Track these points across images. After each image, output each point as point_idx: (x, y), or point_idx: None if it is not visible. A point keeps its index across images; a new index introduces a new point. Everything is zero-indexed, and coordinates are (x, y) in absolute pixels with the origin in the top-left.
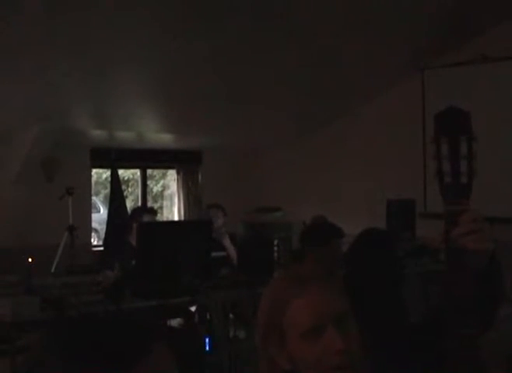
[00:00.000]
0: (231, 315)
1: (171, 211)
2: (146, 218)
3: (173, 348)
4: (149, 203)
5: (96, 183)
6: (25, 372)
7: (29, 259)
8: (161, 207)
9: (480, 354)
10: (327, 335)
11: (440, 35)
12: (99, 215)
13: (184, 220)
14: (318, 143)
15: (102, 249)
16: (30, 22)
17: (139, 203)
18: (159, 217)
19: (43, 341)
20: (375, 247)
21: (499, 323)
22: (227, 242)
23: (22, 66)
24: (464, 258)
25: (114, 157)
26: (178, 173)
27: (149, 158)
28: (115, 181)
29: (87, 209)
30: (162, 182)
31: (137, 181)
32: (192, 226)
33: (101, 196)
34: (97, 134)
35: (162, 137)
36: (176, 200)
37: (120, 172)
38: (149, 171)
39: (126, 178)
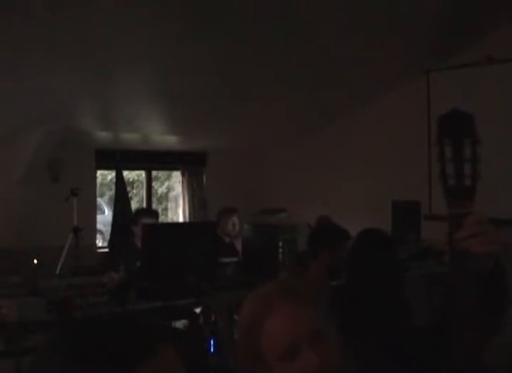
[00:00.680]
0: (236, 317)
1: (176, 213)
2: (147, 221)
3: (177, 350)
4: (154, 205)
5: (101, 184)
6: None
7: (35, 261)
8: (166, 209)
9: (484, 357)
10: (303, 356)
11: (444, 37)
12: (104, 217)
13: (189, 221)
14: (322, 144)
15: (107, 250)
16: (33, 23)
17: (144, 205)
18: (163, 219)
19: (48, 342)
20: (376, 249)
21: (505, 326)
22: (239, 246)
23: (27, 68)
24: (467, 260)
25: (119, 158)
26: (183, 175)
27: (154, 160)
28: (120, 182)
29: (92, 210)
30: (167, 183)
31: (142, 182)
32: (197, 228)
33: (106, 197)
34: (102, 135)
35: (166, 139)
36: (181, 201)
37: (125, 173)
38: (153, 172)
39: (131, 179)
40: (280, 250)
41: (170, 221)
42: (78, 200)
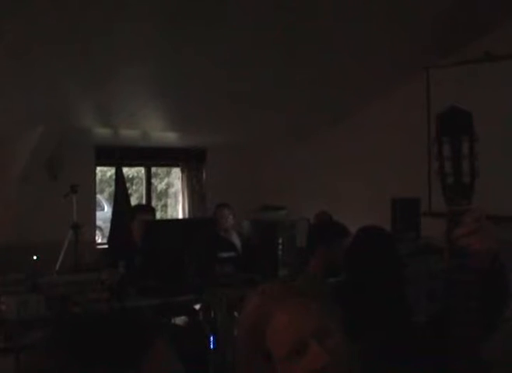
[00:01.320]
0: (235, 313)
1: (175, 209)
2: (144, 217)
3: (177, 346)
4: (154, 201)
5: (101, 181)
6: (27, 370)
7: (34, 257)
8: (165, 205)
9: (483, 354)
10: (310, 351)
11: (444, 34)
12: (104, 213)
13: (189, 218)
14: (322, 142)
15: (106, 247)
16: (33, 21)
17: (144, 201)
18: (163, 216)
19: (45, 339)
20: (375, 246)
21: (504, 324)
22: (236, 239)
23: (26, 65)
24: (466, 258)
25: (119, 155)
26: (182, 171)
27: (154, 156)
28: (120, 179)
29: (92, 207)
30: (166, 180)
31: (141, 179)
32: (197, 224)
33: (105, 194)
34: (102, 132)
35: (166, 136)
36: (180, 198)
37: (125, 170)
38: (153, 169)
39: (130, 176)
40: (280, 247)
41: (169, 217)
42: (77, 196)
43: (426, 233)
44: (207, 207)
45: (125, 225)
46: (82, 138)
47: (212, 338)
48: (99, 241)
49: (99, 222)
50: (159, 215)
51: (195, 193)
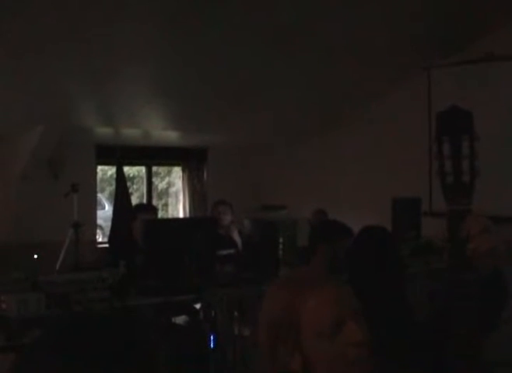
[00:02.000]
0: (236, 313)
1: (176, 208)
2: (146, 216)
3: (178, 345)
4: (154, 201)
5: (102, 180)
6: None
7: (35, 256)
8: (166, 205)
9: (485, 355)
10: (347, 328)
11: (445, 34)
12: (105, 212)
13: (189, 217)
14: (323, 141)
15: (107, 246)
16: (33, 20)
17: (144, 201)
18: (164, 215)
19: (37, 339)
20: (377, 246)
21: (503, 324)
22: (237, 236)
23: (27, 64)
24: (466, 257)
25: (119, 154)
26: (183, 170)
27: (155, 156)
28: (120, 178)
29: (92, 206)
30: (167, 179)
31: (142, 178)
32: (197, 223)
33: (106, 193)
34: (103, 131)
35: (167, 135)
36: (181, 197)
37: (126, 169)
38: (154, 168)
39: (131, 175)
40: (280, 246)
41: (170, 216)
42: (78, 195)
43: (427, 233)
44: (208, 207)
45: (126, 224)
46: (83, 137)
47: (212, 337)
48: (100, 240)
49: (99, 221)
50: (159, 214)
51: (196, 192)
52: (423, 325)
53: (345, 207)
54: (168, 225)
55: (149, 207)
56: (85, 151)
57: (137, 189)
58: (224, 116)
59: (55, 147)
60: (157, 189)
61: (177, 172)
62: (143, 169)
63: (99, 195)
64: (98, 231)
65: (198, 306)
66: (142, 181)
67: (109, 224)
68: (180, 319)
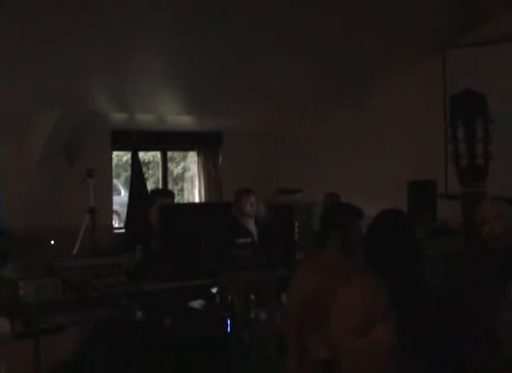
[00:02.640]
0: (252, 297)
1: (192, 193)
2: (163, 201)
3: (194, 330)
4: (170, 186)
5: (117, 165)
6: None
7: (52, 242)
8: (182, 190)
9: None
10: (378, 329)
11: (462, 14)
12: (121, 198)
13: (205, 202)
14: (338, 125)
15: (123, 231)
16: (51, 5)
17: (160, 186)
18: (179, 200)
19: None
20: (394, 230)
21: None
22: (253, 227)
23: (43, 50)
24: (482, 241)
25: (135, 139)
26: (198, 155)
27: (170, 141)
28: (136, 163)
29: (108, 191)
30: (182, 164)
31: (157, 163)
32: (213, 208)
33: (122, 178)
34: (118, 116)
35: (182, 119)
36: (196, 182)
37: (141, 154)
38: (169, 153)
39: (146, 160)
40: (296, 230)
41: (185, 201)
42: (94, 181)
43: (443, 215)
44: (223, 191)
45: (142, 210)
46: (99, 123)
47: (228, 321)
48: (116, 225)
49: (115, 207)
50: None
51: (211, 177)
52: (438, 305)
53: (361, 190)
54: (184, 210)
55: (166, 192)
56: (101, 136)
57: (152, 175)
58: (239, 100)
59: (71, 133)
60: (172, 174)
61: (192, 156)
62: (158, 154)
63: (114, 181)
64: (114, 216)
65: (214, 290)
66: (158, 166)
67: (125, 209)
68: (197, 304)
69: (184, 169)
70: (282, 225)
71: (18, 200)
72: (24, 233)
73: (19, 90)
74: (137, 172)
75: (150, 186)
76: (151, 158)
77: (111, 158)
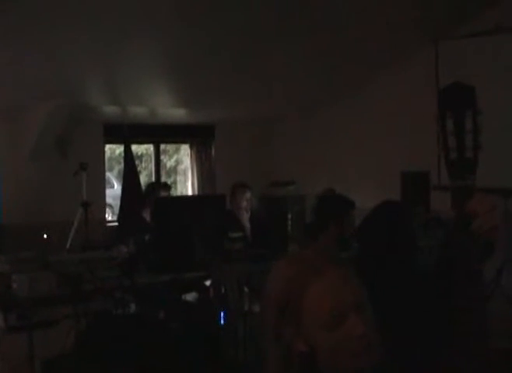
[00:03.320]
0: (245, 289)
1: (185, 186)
2: (161, 194)
3: (188, 322)
4: (163, 178)
5: (110, 158)
6: None
7: (45, 236)
8: (175, 182)
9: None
10: (349, 322)
11: (454, 4)
12: (114, 191)
13: (198, 194)
14: (331, 116)
15: (116, 224)
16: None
17: (153, 179)
18: (173, 192)
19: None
20: (390, 219)
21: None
22: (246, 222)
23: (34, 42)
24: (472, 234)
25: (127, 132)
26: (191, 148)
27: (162, 133)
28: (129, 156)
29: (101, 185)
30: (175, 157)
31: (150, 156)
32: (206, 201)
33: (115, 171)
34: (110, 109)
35: (174, 112)
36: (189, 174)
37: (134, 147)
38: (162, 146)
39: (139, 153)
40: (289, 222)
41: (179, 194)
42: (87, 174)
43: (436, 206)
44: (216, 184)
45: (135, 202)
46: (91, 116)
47: (222, 314)
48: (110, 218)
49: (109, 200)
50: None
51: (204, 169)
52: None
53: (354, 181)
54: (177, 203)
55: (164, 185)
56: (93, 129)
57: (145, 168)
58: (231, 92)
59: (63, 126)
60: (165, 167)
61: (185, 149)
62: (151, 147)
63: (107, 174)
64: (107, 209)
65: (207, 283)
66: (150, 159)
67: (118, 202)
68: (190, 296)
69: (177, 162)
70: (275, 217)
71: (11, 194)
72: (17, 226)
73: (12, 83)
74: (130, 165)
75: (143, 178)
76: (144, 151)
77: (104, 151)
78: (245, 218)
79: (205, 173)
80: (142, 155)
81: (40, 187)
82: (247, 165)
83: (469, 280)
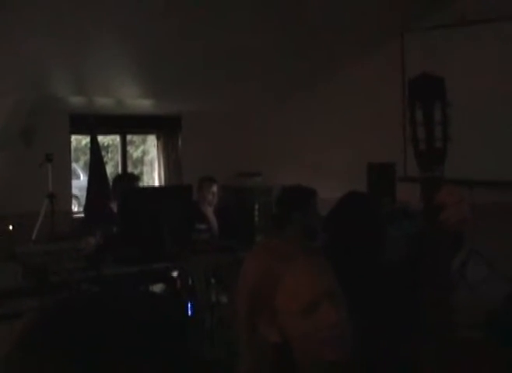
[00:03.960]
0: (213, 280)
1: (151, 177)
2: (128, 185)
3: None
4: (129, 169)
5: (76, 149)
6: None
7: (10, 227)
8: (141, 173)
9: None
10: (322, 310)
11: None
12: (80, 182)
13: (165, 185)
14: (298, 107)
15: (83, 215)
16: None
17: (119, 170)
18: (139, 183)
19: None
20: (358, 209)
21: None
22: (211, 214)
23: None
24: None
25: (93, 123)
26: (158, 139)
27: (129, 124)
28: (95, 147)
29: (67, 176)
30: (142, 147)
31: (117, 147)
32: (173, 191)
33: (81, 162)
34: (76, 100)
35: (141, 103)
36: (156, 165)
37: (100, 138)
38: (128, 137)
39: (105, 144)
40: (256, 213)
41: (145, 184)
42: (52, 165)
43: (402, 197)
44: (183, 175)
45: (102, 193)
46: (56, 106)
47: (189, 305)
48: (76, 210)
49: (75, 191)
50: None
51: (171, 160)
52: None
53: (320, 173)
54: (144, 194)
55: (132, 176)
56: (59, 120)
57: (112, 158)
58: (198, 83)
59: (28, 116)
60: (132, 157)
61: (151, 140)
62: (117, 137)
63: (73, 165)
64: (73, 201)
65: (175, 274)
66: (117, 150)
67: (84, 193)
68: (158, 287)
69: (144, 153)
70: (241, 208)
71: None
72: None
73: None
74: (96, 155)
75: (109, 169)
76: (110, 142)
77: (70, 142)
78: (210, 211)
79: (171, 164)
80: (108, 146)
81: (5, 179)
82: (214, 156)
83: (437, 272)
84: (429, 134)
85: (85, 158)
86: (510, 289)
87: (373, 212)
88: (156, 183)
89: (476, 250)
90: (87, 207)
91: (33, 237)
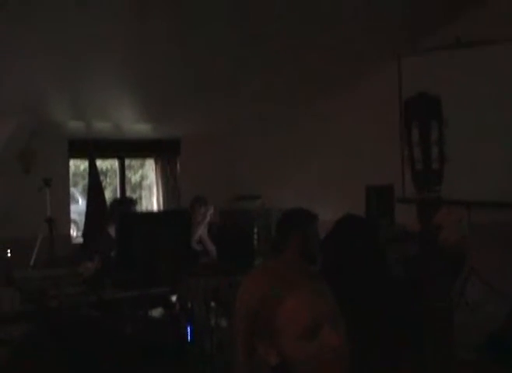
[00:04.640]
0: (212, 304)
1: (150, 201)
2: (126, 209)
3: (154, 339)
4: (128, 194)
5: (74, 174)
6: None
7: (8, 252)
8: (140, 198)
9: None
10: (324, 333)
11: (415, 21)
12: (78, 206)
13: (163, 210)
14: (297, 131)
15: (81, 240)
16: (5, 14)
17: (118, 194)
18: (138, 208)
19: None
20: (355, 232)
21: (478, 307)
22: (205, 236)
23: None
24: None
25: (92, 148)
26: (156, 163)
27: (127, 149)
28: (93, 172)
29: (66, 200)
30: (140, 172)
31: (115, 171)
32: (171, 216)
33: (79, 187)
34: (75, 125)
35: (139, 127)
36: (154, 189)
37: (99, 162)
38: (127, 161)
39: (104, 168)
40: (255, 236)
41: (144, 209)
42: (51, 190)
43: (400, 219)
44: (181, 199)
45: (100, 218)
46: (55, 131)
47: (189, 329)
48: (74, 235)
49: (73, 216)
50: None
51: (169, 184)
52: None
53: (319, 195)
54: (142, 218)
55: (129, 200)
56: (58, 145)
57: (110, 183)
58: (196, 107)
59: (27, 141)
60: (130, 182)
61: (150, 164)
62: (116, 162)
63: (72, 189)
64: (72, 225)
65: (174, 298)
66: (115, 174)
67: (83, 218)
68: (157, 312)
69: (142, 177)
70: (241, 231)
71: None
72: None
73: None
74: (95, 180)
75: (108, 194)
76: (108, 166)
77: (68, 167)
78: (203, 233)
79: (170, 188)
80: (106, 171)
81: (4, 203)
82: (213, 179)
83: (437, 292)
84: (425, 155)
85: (83, 182)
86: (509, 307)
87: (369, 234)
88: (155, 208)
89: (475, 269)
90: (86, 232)
91: (32, 262)
